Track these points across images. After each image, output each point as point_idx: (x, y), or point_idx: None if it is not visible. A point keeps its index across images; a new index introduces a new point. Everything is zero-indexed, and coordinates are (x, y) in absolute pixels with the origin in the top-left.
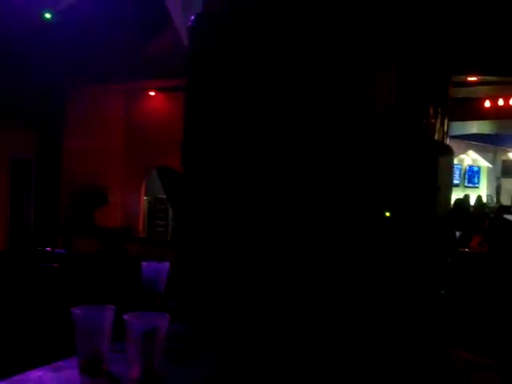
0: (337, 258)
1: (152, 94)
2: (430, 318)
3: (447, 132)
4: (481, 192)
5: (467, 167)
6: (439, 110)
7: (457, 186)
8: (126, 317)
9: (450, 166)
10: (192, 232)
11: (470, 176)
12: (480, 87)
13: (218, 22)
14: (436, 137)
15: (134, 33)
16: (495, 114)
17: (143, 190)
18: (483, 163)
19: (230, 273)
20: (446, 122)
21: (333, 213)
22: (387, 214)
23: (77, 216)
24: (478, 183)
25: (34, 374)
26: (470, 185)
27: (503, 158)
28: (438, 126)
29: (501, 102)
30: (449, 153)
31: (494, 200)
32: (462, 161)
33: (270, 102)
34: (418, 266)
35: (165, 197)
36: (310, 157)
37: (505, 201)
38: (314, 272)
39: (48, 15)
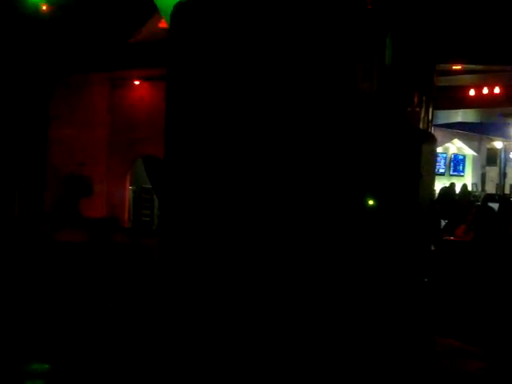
0: (320, 244)
1: (137, 83)
2: (414, 305)
3: (432, 120)
4: (466, 180)
5: (452, 156)
6: (424, 99)
7: (442, 174)
8: None
9: (433, 153)
10: (176, 219)
11: (455, 164)
12: (464, 76)
13: (200, 10)
14: (421, 125)
15: (119, 22)
16: (480, 103)
17: (128, 179)
18: (468, 152)
19: (213, 262)
20: (430, 110)
21: (315, 200)
22: (370, 201)
23: (62, 206)
24: (464, 172)
25: None
26: (455, 173)
27: (488, 146)
28: (422, 114)
29: (485, 91)
30: (431, 141)
31: (480, 188)
32: (447, 149)
33: (252, 90)
34: (400, 253)
35: (150, 186)
36: (291, 144)
37: (490, 189)
38: (297, 259)
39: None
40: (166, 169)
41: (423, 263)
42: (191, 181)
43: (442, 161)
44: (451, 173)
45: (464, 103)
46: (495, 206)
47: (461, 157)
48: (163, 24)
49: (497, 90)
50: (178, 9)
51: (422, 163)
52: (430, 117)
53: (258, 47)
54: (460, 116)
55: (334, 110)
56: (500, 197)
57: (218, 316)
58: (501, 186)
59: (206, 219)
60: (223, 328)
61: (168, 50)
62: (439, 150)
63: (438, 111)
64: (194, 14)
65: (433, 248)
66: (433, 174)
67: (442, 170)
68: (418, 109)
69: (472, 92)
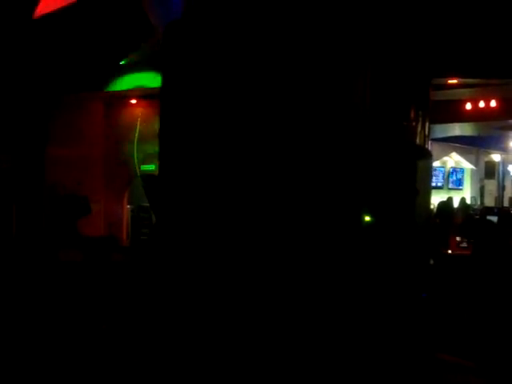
0: (317, 259)
1: (133, 101)
2: (412, 321)
3: (428, 135)
4: (465, 194)
5: (450, 169)
6: (420, 113)
7: (441, 188)
8: None
9: (429, 169)
10: (172, 236)
11: (453, 178)
12: (461, 90)
13: (193, 29)
14: (417, 139)
15: (116, 42)
16: (476, 117)
17: (126, 198)
18: (466, 165)
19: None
20: (427, 124)
21: (312, 216)
22: (367, 217)
23: (60, 225)
24: (462, 185)
25: None
26: (453, 187)
27: (486, 159)
28: (419, 128)
29: (482, 104)
30: (427, 156)
31: (478, 202)
32: (445, 163)
33: (246, 106)
34: (397, 268)
35: (148, 205)
36: (286, 161)
37: (488, 202)
38: (293, 274)
39: None
40: (160, 184)
41: (421, 278)
42: (185, 195)
43: (440, 174)
44: (449, 186)
45: (461, 117)
46: (494, 218)
47: (459, 170)
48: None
49: (493, 104)
50: (169, 28)
51: (418, 179)
52: (427, 131)
53: (247, 65)
54: (457, 130)
55: (327, 128)
56: (499, 210)
57: (212, 327)
58: (499, 198)
59: (199, 234)
60: (218, 337)
61: (161, 66)
62: (437, 163)
63: (436, 125)
64: (183, 33)
65: (432, 262)
66: (429, 189)
67: (440, 184)
68: (414, 123)
69: (469, 106)
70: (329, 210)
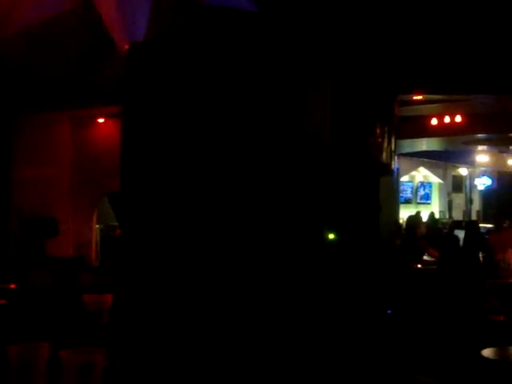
0: (279, 279)
1: (101, 120)
2: (377, 339)
3: (395, 150)
4: (433, 208)
5: (418, 184)
6: (386, 129)
7: (409, 202)
8: (62, 353)
9: (392, 185)
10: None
11: (421, 192)
12: (427, 105)
13: (155, 50)
14: (384, 155)
15: (80, 60)
16: (442, 132)
17: (95, 217)
18: (434, 179)
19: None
20: (393, 140)
21: (275, 236)
22: (331, 235)
23: (27, 247)
24: (430, 199)
25: None
26: (422, 201)
27: (453, 173)
28: (385, 144)
29: (447, 120)
30: (389, 172)
31: (447, 215)
32: (413, 178)
33: (205, 127)
34: (361, 285)
35: (117, 224)
36: (246, 183)
37: (457, 215)
38: (256, 293)
39: None
40: (124, 202)
41: (386, 294)
42: (147, 214)
43: (409, 189)
44: (418, 201)
45: (427, 132)
46: (462, 232)
47: (427, 184)
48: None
49: (458, 119)
50: (131, 51)
51: (381, 196)
52: (393, 147)
53: (213, 86)
54: (425, 145)
55: (284, 146)
56: (467, 223)
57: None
58: (467, 212)
59: (164, 248)
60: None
61: (122, 85)
62: (405, 178)
63: (403, 140)
64: (145, 56)
65: (401, 277)
66: (395, 206)
67: (408, 198)
68: (380, 139)
69: (434, 121)
70: (290, 229)
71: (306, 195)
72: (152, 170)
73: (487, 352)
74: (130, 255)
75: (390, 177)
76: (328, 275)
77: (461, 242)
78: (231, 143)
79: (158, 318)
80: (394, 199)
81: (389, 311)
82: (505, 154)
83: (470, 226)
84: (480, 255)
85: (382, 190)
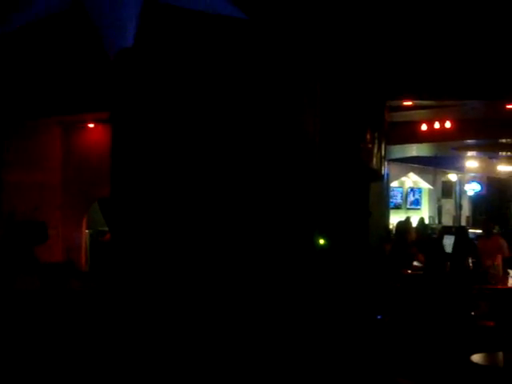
0: (271, 283)
1: (91, 125)
2: (367, 343)
3: (385, 156)
4: (423, 213)
5: (408, 189)
6: (376, 135)
7: (399, 208)
8: None
9: (383, 190)
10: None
11: (411, 198)
12: (416, 111)
13: (142, 58)
14: (374, 161)
15: (70, 66)
16: (432, 137)
17: (85, 223)
18: (424, 185)
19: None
20: (383, 146)
21: (266, 241)
22: (319, 240)
23: (16, 252)
24: (420, 205)
25: None
26: (412, 206)
27: (443, 179)
28: (375, 150)
29: (437, 125)
30: (380, 178)
31: (436, 221)
32: (403, 183)
33: (195, 132)
34: (351, 290)
35: (107, 229)
36: (237, 189)
37: (446, 221)
38: (248, 297)
39: None
40: (114, 208)
41: (375, 300)
42: (137, 215)
43: (399, 194)
44: (408, 206)
45: (417, 138)
46: (452, 237)
47: (417, 190)
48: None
49: (448, 125)
50: (118, 56)
51: (371, 201)
52: (383, 152)
53: (195, 89)
54: (414, 150)
55: (276, 152)
56: (456, 229)
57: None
58: (457, 217)
59: (153, 252)
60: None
61: (111, 91)
62: (395, 183)
63: (393, 146)
64: (130, 63)
65: (390, 283)
66: (384, 211)
67: (398, 204)
68: (370, 145)
69: (424, 127)
70: (280, 233)
71: (296, 201)
72: (141, 176)
73: (476, 357)
74: (120, 259)
75: (379, 182)
76: (318, 280)
77: (450, 248)
78: (222, 148)
79: (146, 320)
80: (383, 205)
81: (378, 316)
82: (494, 160)
83: (459, 231)
84: (470, 261)
85: (373, 196)
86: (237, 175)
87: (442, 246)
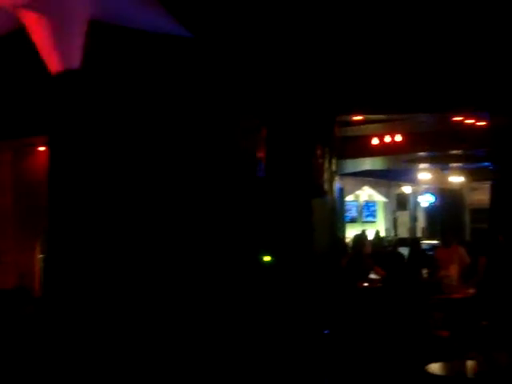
0: (216, 299)
1: (42, 149)
2: (313, 358)
3: (336, 170)
4: (379, 226)
5: (363, 203)
6: (326, 150)
7: (355, 221)
8: None
9: (327, 206)
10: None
11: (366, 211)
12: (367, 125)
13: (83, 79)
14: (325, 176)
15: (21, 88)
16: (384, 151)
17: (38, 248)
18: (379, 198)
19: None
20: (333, 161)
21: (210, 259)
22: (267, 257)
23: None
24: (375, 218)
25: None
26: (367, 220)
27: (397, 191)
28: (326, 165)
29: (388, 139)
30: (323, 194)
31: (392, 233)
32: (358, 197)
33: (135, 155)
34: (298, 305)
35: None
36: (178, 209)
37: (402, 232)
38: (191, 315)
39: None
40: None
41: (322, 314)
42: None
43: (354, 208)
44: (364, 219)
45: (369, 152)
46: (407, 249)
47: (371, 203)
48: None
49: (398, 138)
50: (57, 79)
51: (314, 217)
52: (334, 167)
53: (140, 113)
54: (368, 164)
55: (217, 170)
56: (411, 240)
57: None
58: (412, 229)
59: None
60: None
61: (51, 113)
62: (350, 197)
63: (347, 160)
64: (70, 85)
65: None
66: (330, 227)
67: (354, 218)
68: (321, 160)
69: (375, 141)
70: (225, 251)
71: (238, 218)
72: (79, 202)
73: (432, 367)
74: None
75: (333, 197)
76: (262, 295)
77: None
78: (163, 170)
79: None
80: (339, 219)
81: (326, 331)
82: (446, 172)
83: (412, 243)
84: (426, 271)
85: (324, 211)
86: (177, 200)
87: (402, 258)
